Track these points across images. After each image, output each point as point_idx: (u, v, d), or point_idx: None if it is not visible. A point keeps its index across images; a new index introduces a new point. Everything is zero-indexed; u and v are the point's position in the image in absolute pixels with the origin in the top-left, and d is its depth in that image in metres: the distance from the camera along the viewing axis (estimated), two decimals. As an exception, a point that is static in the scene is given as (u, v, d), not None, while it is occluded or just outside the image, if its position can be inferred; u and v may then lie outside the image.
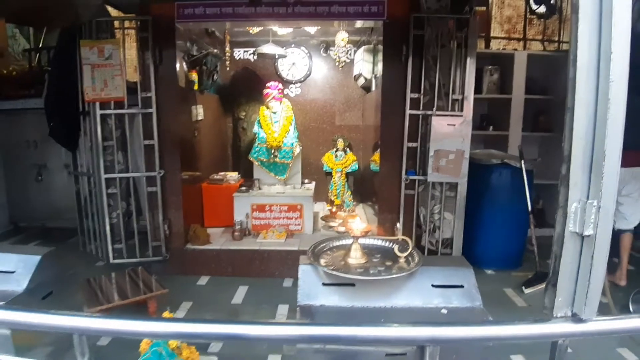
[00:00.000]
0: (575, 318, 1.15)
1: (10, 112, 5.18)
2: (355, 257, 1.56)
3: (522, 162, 3.92)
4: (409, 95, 3.74)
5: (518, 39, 6.35)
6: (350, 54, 5.58)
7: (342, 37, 4.72)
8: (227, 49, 5.13)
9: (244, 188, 4.64)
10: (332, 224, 4.65)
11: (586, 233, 1.07)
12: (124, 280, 3.27)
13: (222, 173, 5.01)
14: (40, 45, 6.63)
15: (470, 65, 3.68)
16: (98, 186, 3.97)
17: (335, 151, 5.19)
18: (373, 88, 4.93)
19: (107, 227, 3.97)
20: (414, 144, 3.84)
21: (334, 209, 5.07)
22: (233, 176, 4.92)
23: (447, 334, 1.14)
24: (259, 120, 4.74)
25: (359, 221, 1.67)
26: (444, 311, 1.48)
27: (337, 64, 5.57)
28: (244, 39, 5.45)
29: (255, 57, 5.56)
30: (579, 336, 1.17)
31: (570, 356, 1.22)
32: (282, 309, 3.39)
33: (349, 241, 1.66)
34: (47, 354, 1.76)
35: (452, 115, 3.71)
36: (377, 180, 4.24)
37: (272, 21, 4.30)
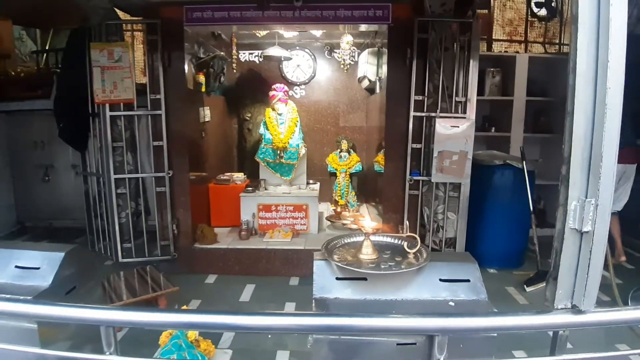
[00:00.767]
0: (575, 309, 1.22)
1: (17, 113, 5.25)
2: (367, 253, 1.64)
3: (524, 162, 3.99)
4: (413, 97, 3.82)
5: (519, 42, 6.42)
6: (354, 57, 5.66)
7: (347, 40, 4.79)
8: (234, 51, 5.21)
9: (250, 188, 4.72)
10: (344, 221, 4.74)
11: (585, 229, 1.14)
12: (133, 278, 3.34)
13: (229, 174, 5.08)
14: (47, 47, 6.71)
15: (473, 68, 3.76)
16: (108, 186, 4.04)
17: (340, 152, 5.26)
18: (377, 90, 5.01)
19: (117, 227, 4.05)
20: (418, 145, 3.91)
21: (338, 209, 5.14)
22: (239, 177, 5.00)
23: (455, 324, 1.22)
24: (265, 122, 4.82)
25: (369, 219, 1.75)
26: (451, 303, 1.56)
27: (342, 66, 5.65)
28: (250, 42, 5.53)
29: (261, 59, 5.64)
30: (579, 326, 1.24)
31: (570, 352, 1.30)
32: (289, 307, 3.47)
33: (359, 238, 1.73)
34: (68, 348, 1.84)
35: (455, 117, 3.79)
36: (381, 181, 4.32)
37: (279, 24, 4.37)
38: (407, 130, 3.87)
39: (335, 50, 5.69)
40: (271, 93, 4.79)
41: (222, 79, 5.25)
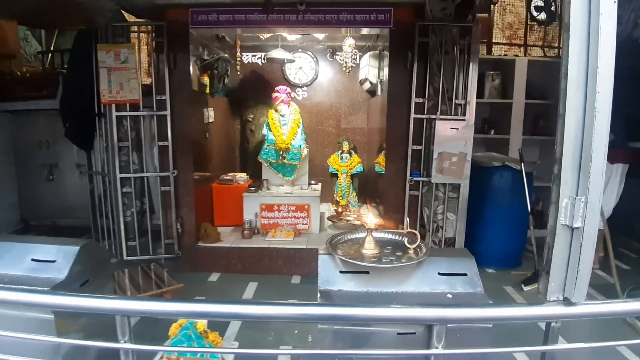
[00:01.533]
0: (566, 301, 1.30)
1: (22, 113, 5.30)
2: (369, 248, 1.72)
3: (522, 164, 4.06)
4: (414, 99, 3.89)
5: (519, 45, 6.48)
6: (356, 59, 5.73)
7: (349, 43, 4.87)
8: (238, 53, 5.29)
9: (253, 188, 4.79)
10: (348, 218, 4.83)
11: (575, 225, 1.22)
12: (137, 275, 3.40)
13: (232, 174, 5.16)
14: (52, 48, 6.78)
15: (473, 71, 3.83)
16: (113, 185, 4.10)
17: (341, 153, 5.33)
18: (378, 92, 5.08)
19: (122, 225, 4.12)
20: (419, 147, 3.98)
21: (339, 209, 5.21)
22: (242, 177, 5.07)
23: (452, 315, 1.29)
24: (267, 123, 4.89)
25: (372, 216, 1.83)
26: (449, 296, 1.64)
27: (343, 68, 5.74)
28: (253, 44, 5.61)
29: (264, 61, 5.71)
30: (570, 318, 1.31)
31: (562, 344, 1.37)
32: (291, 304, 3.52)
33: (362, 234, 1.81)
34: (81, 339, 1.90)
35: (455, 119, 3.86)
36: (382, 182, 4.39)
37: (283, 28, 4.44)
38: (408, 132, 3.94)
39: (337, 53, 5.77)
40: (274, 95, 4.86)
41: (226, 80, 5.32)
